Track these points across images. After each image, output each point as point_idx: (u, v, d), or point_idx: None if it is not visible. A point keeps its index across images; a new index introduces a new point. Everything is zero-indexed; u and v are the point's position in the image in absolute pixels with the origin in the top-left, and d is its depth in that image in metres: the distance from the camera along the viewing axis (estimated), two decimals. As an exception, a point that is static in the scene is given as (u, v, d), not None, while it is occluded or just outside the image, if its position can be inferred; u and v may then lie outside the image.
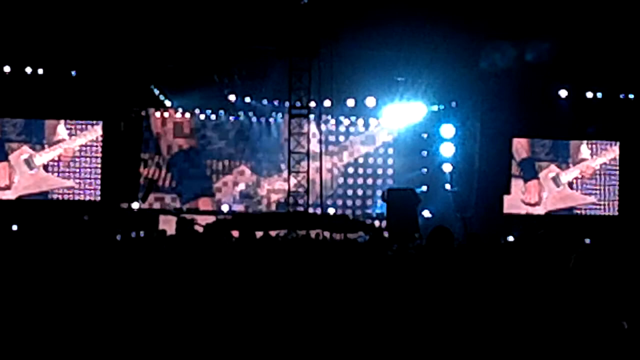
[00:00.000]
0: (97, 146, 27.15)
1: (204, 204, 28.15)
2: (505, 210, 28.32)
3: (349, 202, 29.26)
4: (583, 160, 29.07)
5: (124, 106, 26.67)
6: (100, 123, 27.06)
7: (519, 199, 28.72)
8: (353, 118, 28.95)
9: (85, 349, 7.01)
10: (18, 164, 26.82)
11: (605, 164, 29.16)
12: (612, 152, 29.15)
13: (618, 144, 29.07)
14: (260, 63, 25.51)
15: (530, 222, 27.11)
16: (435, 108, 27.97)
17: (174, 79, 25.87)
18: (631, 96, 27.79)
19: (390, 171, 29.48)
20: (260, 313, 7.41)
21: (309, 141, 25.29)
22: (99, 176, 27.13)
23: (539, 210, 28.76)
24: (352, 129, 29.29)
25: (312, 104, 25.39)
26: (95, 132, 27.14)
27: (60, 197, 27.02)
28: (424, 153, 28.78)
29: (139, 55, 24.56)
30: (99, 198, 27.02)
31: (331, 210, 28.19)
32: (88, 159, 27.14)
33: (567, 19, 22.95)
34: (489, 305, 6.66)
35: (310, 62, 24.24)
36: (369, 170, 29.48)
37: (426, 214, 26.81)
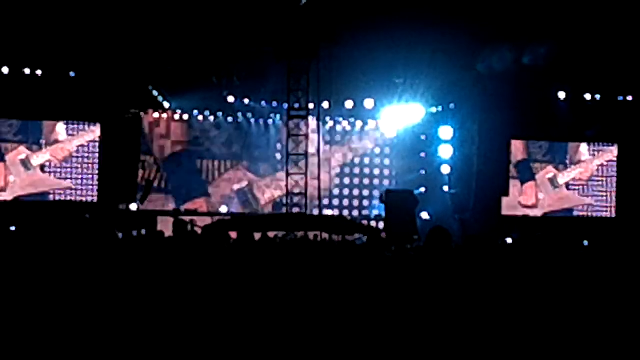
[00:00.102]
0: (95, 147, 27.14)
1: (202, 205, 28.15)
2: (504, 212, 28.33)
3: (347, 204, 29.27)
4: (581, 161, 29.08)
5: (123, 107, 26.66)
6: (98, 124, 27.06)
7: (516, 200, 28.73)
8: (351, 119, 28.96)
9: (84, 351, 7.01)
10: (15, 164, 26.80)
11: (602, 165, 29.17)
12: (609, 153, 29.15)
13: (616, 145, 29.07)
14: (259, 64, 25.51)
15: (528, 224, 27.13)
16: (433, 110, 27.99)
17: (172, 80, 25.87)
18: (629, 98, 27.79)
19: (388, 173, 29.50)
20: (258, 314, 7.41)
21: (307, 143, 25.30)
22: (97, 177, 27.12)
23: (537, 212, 28.76)
24: (350, 131, 29.29)
25: (311, 106, 25.39)
26: (93, 133, 27.14)
27: (57, 197, 27.00)
28: (423, 155, 28.80)
29: (137, 56, 24.56)
30: (96, 199, 27.02)
31: (329, 212, 28.19)
32: (86, 160, 27.13)
33: (565, 20, 22.96)
34: (486, 307, 6.67)
35: (309, 64, 24.25)
36: (367, 172, 29.48)
37: (424, 215, 26.83)
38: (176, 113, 27.95)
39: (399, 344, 6.58)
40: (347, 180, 29.38)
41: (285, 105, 25.61)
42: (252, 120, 28.42)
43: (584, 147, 29.11)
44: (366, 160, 29.49)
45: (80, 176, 27.11)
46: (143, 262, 8.66)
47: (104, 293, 7.68)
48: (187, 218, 22.42)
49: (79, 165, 27.13)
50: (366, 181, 29.44)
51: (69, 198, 26.98)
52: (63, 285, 7.81)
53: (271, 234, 18.63)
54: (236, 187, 28.59)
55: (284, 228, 20.85)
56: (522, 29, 23.32)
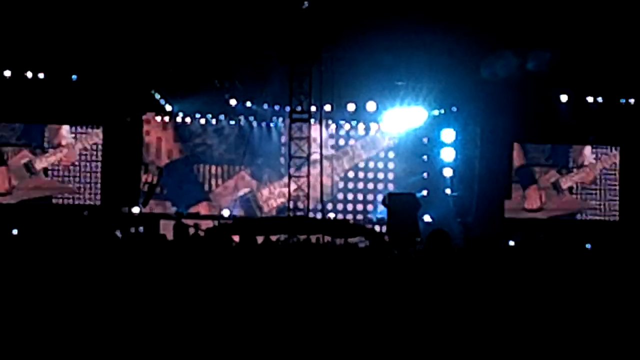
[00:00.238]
0: (97, 151, 27.16)
1: (204, 209, 28.13)
2: (506, 214, 28.31)
3: (350, 207, 29.23)
4: (584, 165, 29.05)
5: (125, 111, 26.68)
6: (101, 127, 27.08)
7: (520, 205, 28.70)
8: (354, 123, 28.92)
9: (85, 353, 7.02)
10: (18, 168, 26.82)
11: (605, 168, 29.13)
12: (612, 157, 29.11)
13: (618, 149, 29.03)
14: (261, 68, 25.52)
15: (530, 227, 27.11)
16: (435, 113, 27.97)
17: (174, 83, 25.88)
18: (632, 101, 27.76)
19: (390, 176, 29.46)
20: (261, 317, 7.41)
21: (309, 146, 25.29)
22: (99, 180, 27.14)
23: (541, 216, 28.73)
24: (352, 134, 29.26)
25: (313, 109, 25.39)
26: (96, 136, 27.15)
27: (60, 201, 27.02)
28: (425, 158, 28.77)
29: (139, 59, 24.58)
30: (99, 202, 27.04)
31: (332, 215, 28.19)
32: (88, 164, 27.15)
33: (567, 24, 22.96)
34: (488, 309, 6.67)
35: (311, 67, 24.26)
36: (370, 175, 29.44)
37: (427, 218, 26.81)
38: (178, 116, 27.94)
39: (401, 346, 6.58)
40: (349, 184, 29.36)
41: (288, 109, 25.60)
42: (255, 124, 28.40)
43: (587, 150, 29.07)
44: (368, 164, 29.45)
45: (83, 180, 27.14)
46: (144, 265, 8.66)
47: (104, 296, 7.68)
48: (191, 222, 22.44)
49: (82, 169, 27.15)
50: (368, 184, 29.41)
51: (72, 202, 27.00)
52: (64, 288, 7.82)
53: (273, 238, 18.67)
54: (240, 193, 28.56)
55: (287, 231, 20.85)
56: (524, 34, 23.31)
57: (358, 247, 16.37)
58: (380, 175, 29.43)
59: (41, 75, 25.59)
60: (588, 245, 21.36)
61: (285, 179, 26.03)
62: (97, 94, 25.58)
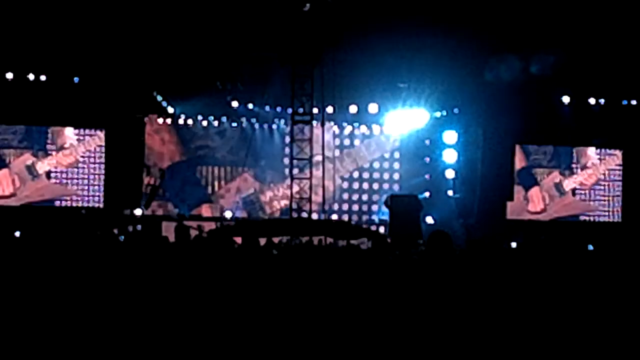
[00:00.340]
0: (100, 153, 27.16)
1: (206, 211, 28.14)
2: (509, 216, 28.31)
3: (352, 208, 29.25)
4: (586, 166, 29.03)
5: (127, 113, 26.70)
6: (103, 130, 27.09)
7: (522, 207, 28.68)
8: (356, 124, 28.94)
9: (85, 355, 7.02)
10: (21, 171, 26.82)
11: (609, 170, 29.10)
12: (615, 158, 29.09)
13: (621, 150, 29.01)
14: (263, 69, 25.53)
15: (532, 229, 27.11)
16: (438, 114, 27.97)
17: (176, 85, 25.89)
18: (634, 102, 27.75)
19: (393, 177, 29.48)
20: (263, 319, 7.41)
21: (311, 148, 25.28)
22: (102, 183, 27.14)
23: (543, 218, 28.71)
24: (354, 136, 29.29)
25: (315, 111, 25.38)
26: (98, 138, 27.16)
27: (62, 204, 27.02)
28: (427, 159, 28.78)
29: (141, 61, 24.58)
30: (101, 205, 27.05)
31: (334, 217, 28.19)
32: (91, 166, 27.16)
33: (569, 26, 22.95)
34: (490, 310, 6.66)
35: (312, 69, 24.23)
36: (372, 177, 29.47)
37: (429, 220, 26.81)
38: (180, 118, 27.96)
39: (403, 347, 6.58)
40: (351, 185, 29.37)
41: (289, 110, 25.59)
42: (257, 126, 28.43)
43: (590, 151, 29.05)
44: (371, 165, 29.46)
45: (85, 182, 27.14)
46: (146, 267, 8.66)
47: (105, 298, 7.68)
48: (194, 224, 22.44)
49: (85, 171, 27.15)
50: (371, 186, 29.42)
51: (74, 204, 27.01)
52: (66, 290, 7.82)
53: (276, 239, 18.67)
54: (242, 195, 28.57)
55: (289, 233, 20.85)
56: (526, 36, 23.30)
57: (360, 249, 16.37)
58: (383, 177, 29.45)
59: (43, 78, 25.60)
60: (590, 247, 21.37)
61: (289, 181, 26.02)
62: (99, 96, 25.59)
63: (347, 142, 29.32)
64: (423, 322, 6.58)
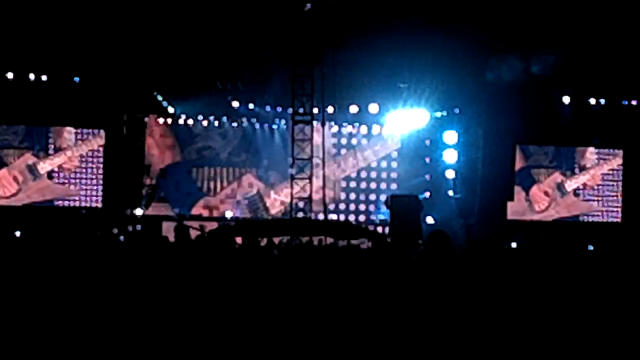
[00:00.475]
0: (100, 153, 27.15)
1: (207, 211, 28.14)
2: (509, 216, 28.31)
3: (352, 209, 29.26)
4: (587, 167, 29.02)
5: (127, 112, 26.71)
6: (104, 130, 27.08)
7: (524, 207, 28.67)
8: (356, 124, 28.95)
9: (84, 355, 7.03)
10: (22, 171, 26.81)
11: (610, 170, 29.09)
12: (617, 158, 29.07)
13: (621, 150, 29.01)
14: (263, 69, 25.53)
15: (533, 229, 27.11)
16: (438, 114, 27.97)
17: (177, 85, 25.89)
18: (634, 102, 27.75)
19: (393, 177, 29.49)
20: (263, 319, 7.42)
21: (312, 148, 25.28)
22: (102, 183, 27.13)
23: (544, 218, 28.71)
24: (355, 136, 29.30)
25: (315, 111, 25.37)
26: (99, 138, 27.14)
27: (64, 204, 27.01)
28: (427, 159, 28.78)
29: (142, 61, 24.58)
30: (101, 205, 27.03)
31: (334, 217, 28.20)
32: (92, 166, 27.15)
33: (569, 26, 22.95)
34: (490, 310, 6.67)
35: (313, 69, 24.23)
36: (372, 177, 29.48)
37: (429, 220, 26.81)
38: (180, 118, 27.97)
39: (403, 347, 6.58)
40: (351, 185, 29.38)
41: (290, 110, 25.59)
42: (257, 126, 28.44)
43: (589, 152, 29.05)
44: (371, 165, 29.48)
45: (86, 182, 27.12)
46: (146, 267, 8.67)
47: (105, 298, 7.69)
48: (195, 224, 22.44)
49: (85, 171, 27.13)
50: (371, 186, 29.44)
51: (75, 205, 26.99)
52: (66, 290, 7.82)
53: (276, 239, 18.68)
54: (244, 195, 28.58)
55: (289, 233, 20.85)
56: (526, 36, 23.30)
57: (360, 249, 16.38)
58: (383, 177, 29.47)
59: (44, 78, 25.60)
60: (590, 247, 21.37)
61: (288, 180, 25.99)
62: (99, 96, 25.59)
63: (347, 142, 29.31)
64: (423, 322, 6.59)
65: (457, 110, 27.65)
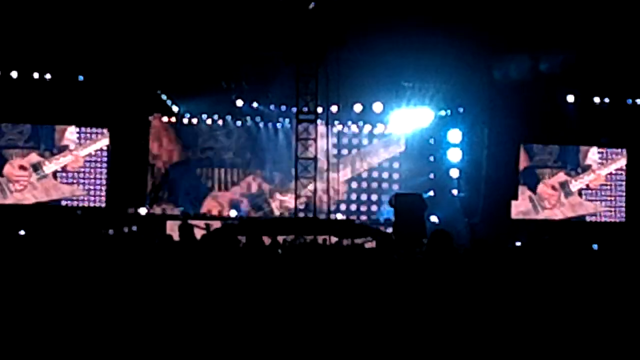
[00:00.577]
0: (105, 152, 27.16)
1: (211, 209, 28.14)
2: (513, 216, 28.30)
3: (357, 207, 29.26)
4: (592, 166, 28.99)
5: (131, 112, 26.71)
6: (108, 129, 27.08)
7: (530, 206, 28.65)
8: (360, 123, 28.96)
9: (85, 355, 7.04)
10: (27, 171, 26.82)
11: (615, 169, 29.05)
12: (621, 158, 29.03)
13: (625, 149, 28.97)
14: (268, 68, 25.54)
15: (537, 228, 27.08)
16: (442, 113, 27.98)
17: (181, 84, 25.90)
18: (638, 101, 27.72)
19: (397, 176, 29.49)
20: (267, 318, 7.41)
21: (316, 147, 25.28)
22: (106, 182, 27.13)
23: (549, 217, 28.68)
24: (359, 135, 29.29)
25: (319, 109, 25.38)
26: (103, 137, 27.14)
27: (68, 203, 27.02)
28: (431, 158, 28.79)
29: (146, 60, 24.59)
30: (105, 204, 27.04)
31: (339, 216, 28.19)
32: (97, 165, 27.15)
33: (574, 25, 22.93)
34: (493, 309, 6.66)
35: (317, 68, 24.23)
36: (376, 176, 29.49)
37: (433, 219, 26.79)
38: (185, 117, 27.98)
39: (408, 346, 6.58)
40: (356, 184, 29.38)
41: (294, 109, 25.60)
42: (261, 124, 28.46)
43: (596, 151, 29.00)
44: (375, 164, 29.48)
45: (90, 181, 27.13)
46: (151, 265, 8.67)
47: (109, 297, 7.69)
48: (201, 223, 22.44)
49: (90, 171, 27.14)
50: (375, 185, 29.44)
51: (80, 204, 26.99)
52: (67, 290, 7.83)
53: (280, 238, 18.66)
54: (249, 194, 28.60)
55: (293, 232, 20.85)
56: (531, 34, 23.28)
57: (364, 248, 16.36)
58: (387, 176, 29.46)
59: (48, 76, 25.62)
60: (595, 247, 21.33)
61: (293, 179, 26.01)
62: (103, 95, 25.60)
63: (351, 141, 29.30)
64: (427, 321, 6.58)
65: (461, 109, 27.66)
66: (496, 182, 27.48)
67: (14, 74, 25.35)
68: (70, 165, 26.99)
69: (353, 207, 29.22)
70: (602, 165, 29.01)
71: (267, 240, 17.24)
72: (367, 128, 29.08)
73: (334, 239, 20.64)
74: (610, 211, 28.98)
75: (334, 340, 7.08)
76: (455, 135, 27.97)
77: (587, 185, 29.01)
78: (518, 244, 22.02)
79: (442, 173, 28.36)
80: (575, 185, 28.91)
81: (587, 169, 29.01)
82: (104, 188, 27.12)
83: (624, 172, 29.04)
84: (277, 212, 28.60)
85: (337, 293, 7.91)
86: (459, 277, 6.83)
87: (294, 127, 26.13)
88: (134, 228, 23.94)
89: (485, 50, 24.15)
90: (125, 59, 24.51)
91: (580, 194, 29.00)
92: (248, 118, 28.23)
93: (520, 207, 28.54)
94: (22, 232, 21.97)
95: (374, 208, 29.27)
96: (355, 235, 21.00)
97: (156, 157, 28.03)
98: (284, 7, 22.95)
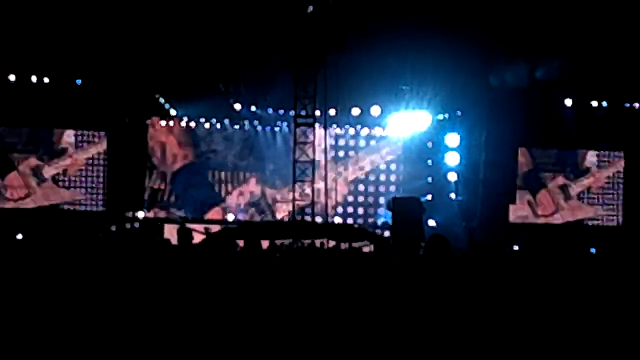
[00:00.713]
0: (103, 156, 27.16)
1: (209, 214, 28.13)
2: (511, 219, 28.31)
3: (354, 211, 29.25)
4: (590, 170, 28.99)
5: (130, 115, 26.71)
6: (106, 132, 27.08)
7: (529, 210, 28.66)
8: (358, 127, 28.93)
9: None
10: (26, 175, 26.83)
11: (613, 172, 29.06)
12: (619, 161, 29.04)
13: (623, 153, 28.97)
14: (266, 72, 25.52)
15: (535, 232, 27.10)
16: (440, 117, 27.98)
17: (179, 87, 25.90)
18: (636, 105, 27.73)
19: (395, 180, 29.47)
20: (265, 321, 7.42)
21: (314, 150, 25.29)
22: (105, 185, 27.12)
23: (549, 222, 28.68)
24: (357, 138, 29.28)
25: (317, 113, 25.39)
26: (101, 141, 27.15)
27: (67, 207, 27.02)
28: (429, 162, 28.75)
29: (144, 63, 24.59)
30: (103, 207, 27.02)
31: (336, 219, 28.18)
32: (94, 169, 27.15)
33: (571, 29, 22.95)
34: (489, 313, 6.66)
35: (315, 71, 24.25)
36: (374, 179, 29.46)
37: (431, 223, 26.78)
38: (183, 120, 27.98)
39: (405, 350, 6.58)
40: (353, 188, 29.36)
41: (292, 113, 25.60)
42: (259, 128, 28.45)
43: (594, 154, 29.01)
44: (373, 168, 29.45)
45: (89, 185, 27.13)
46: (149, 269, 8.67)
47: (108, 300, 7.69)
48: (199, 226, 22.45)
49: (89, 174, 27.14)
50: (373, 188, 29.42)
51: (79, 208, 26.98)
52: (68, 293, 7.83)
53: (278, 242, 18.67)
54: (244, 195, 28.58)
55: (291, 236, 20.85)
56: (529, 38, 23.30)
57: (362, 252, 16.38)
58: (385, 179, 29.44)
59: (46, 80, 25.62)
60: (593, 250, 21.36)
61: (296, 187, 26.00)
62: (101, 99, 25.61)
63: (349, 144, 29.29)
64: (425, 325, 6.59)
65: (459, 113, 27.65)
66: (494, 185, 27.49)
67: (12, 78, 25.33)
68: (70, 169, 26.99)
69: (351, 210, 29.19)
70: (601, 168, 29.01)
71: (265, 244, 17.25)
72: (365, 131, 29.05)
73: (331, 243, 20.66)
74: (610, 215, 28.97)
75: (332, 344, 7.08)
76: (453, 138, 27.95)
77: (587, 189, 29.00)
78: (516, 248, 22.06)
79: (440, 177, 28.33)
80: (575, 189, 28.91)
81: (586, 172, 29.01)
82: (104, 191, 27.09)
83: (621, 175, 29.02)
84: (275, 216, 28.58)
85: (335, 297, 7.92)
86: (457, 282, 6.83)
87: (292, 130, 26.13)
88: (136, 225, 24.00)
89: (483, 54, 24.15)
90: (123, 62, 24.51)
91: (579, 198, 29.00)
92: (246, 121, 28.21)
93: (519, 211, 28.54)
94: (20, 236, 21.95)
95: (371, 211, 29.24)
96: (353, 239, 21.03)
97: (154, 161, 27.99)
98: (283, 10, 22.96)
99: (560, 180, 28.93)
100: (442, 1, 22.11)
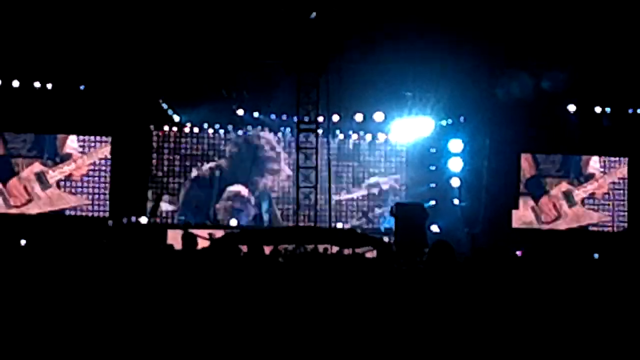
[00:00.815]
0: (107, 161, 27.18)
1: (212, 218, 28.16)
2: (514, 225, 28.30)
3: (357, 217, 29.22)
4: (594, 175, 28.98)
5: (133, 121, 26.73)
6: (110, 138, 27.11)
7: (532, 216, 28.65)
8: (361, 133, 28.93)
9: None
10: (30, 181, 26.86)
11: (617, 178, 29.04)
12: (623, 167, 29.03)
13: (627, 158, 28.97)
14: (269, 78, 25.56)
15: (538, 238, 27.09)
16: (443, 123, 27.99)
17: (182, 93, 25.93)
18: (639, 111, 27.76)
19: (398, 186, 29.45)
20: (268, 326, 7.42)
21: (317, 156, 25.30)
22: (109, 191, 27.14)
23: (556, 228, 28.66)
24: (360, 144, 29.27)
25: (320, 119, 25.41)
26: (106, 147, 27.18)
27: (72, 213, 27.04)
28: (433, 167, 28.75)
29: (147, 69, 24.63)
30: (107, 214, 27.05)
31: (339, 225, 28.17)
32: (98, 174, 27.18)
33: (574, 35, 22.95)
34: (492, 319, 6.66)
35: (318, 77, 24.27)
36: (377, 184, 29.43)
37: (434, 228, 26.79)
38: (186, 126, 27.99)
39: (408, 355, 6.58)
40: (357, 193, 29.33)
41: (295, 119, 25.62)
42: (262, 134, 28.45)
43: (598, 160, 29.01)
44: (376, 174, 29.44)
45: (93, 190, 27.16)
46: (153, 275, 8.68)
47: (111, 305, 7.69)
48: (202, 232, 22.44)
49: (93, 180, 27.16)
50: (376, 194, 29.39)
51: (83, 214, 27.00)
52: (70, 298, 7.83)
53: (281, 247, 18.68)
54: (250, 203, 28.60)
55: (294, 241, 20.84)
56: (531, 45, 23.31)
57: (365, 257, 16.37)
58: (388, 185, 29.40)
59: (49, 86, 25.66)
60: (596, 256, 21.32)
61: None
62: (105, 104, 25.65)
63: (352, 150, 29.27)
64: (428, 330, 6.59)
65: (462, 119, 27.67)
66: (497, 191, 27.50)
67: (16, 83, 25.38)
68: (74, 174, 27.02)
69: (354, 216, 29.17)
70: (606, 174, 29.00)
71: (268, 249, 17.26)
72: (368, 137, 29.05)
73: (334, 248, 20.65)
74: (614, 220, 28.95)
75: (335, 349, 7.08)
76: (456, 144, 27.97)
77: (591, 195, 28.98)
78: (518, 253, 22.02)
79: (443, 182, 28.34)
80: (578, 194, 28.90)
81: (589, 178, 29.01)
82: (107, 197, 27.12)
83: (625, 181, 29.00)
84: (278, 222, 28.58)
85: (338, 302, 7.92)
86: (460, 287, 6.83)
87: (295, 136, 26.15)
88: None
89: (486, 60, 24.17)
90: (126, 68, 24.55)
91: (583, 203, 28.98)
92: (249, 127, 28.21)
93: (522, 217, 28.54)
94: (23, 242, 21.96)
95: (375, 217, 29.22)
96: (356, 244, 21.00)
97: (157, 165, 28.00)
98: (285, 16, 22.99)
99: (564, 186, 28.94)
100: (445, 7, 22.10)
